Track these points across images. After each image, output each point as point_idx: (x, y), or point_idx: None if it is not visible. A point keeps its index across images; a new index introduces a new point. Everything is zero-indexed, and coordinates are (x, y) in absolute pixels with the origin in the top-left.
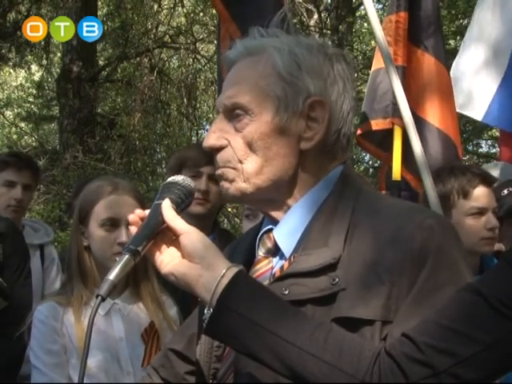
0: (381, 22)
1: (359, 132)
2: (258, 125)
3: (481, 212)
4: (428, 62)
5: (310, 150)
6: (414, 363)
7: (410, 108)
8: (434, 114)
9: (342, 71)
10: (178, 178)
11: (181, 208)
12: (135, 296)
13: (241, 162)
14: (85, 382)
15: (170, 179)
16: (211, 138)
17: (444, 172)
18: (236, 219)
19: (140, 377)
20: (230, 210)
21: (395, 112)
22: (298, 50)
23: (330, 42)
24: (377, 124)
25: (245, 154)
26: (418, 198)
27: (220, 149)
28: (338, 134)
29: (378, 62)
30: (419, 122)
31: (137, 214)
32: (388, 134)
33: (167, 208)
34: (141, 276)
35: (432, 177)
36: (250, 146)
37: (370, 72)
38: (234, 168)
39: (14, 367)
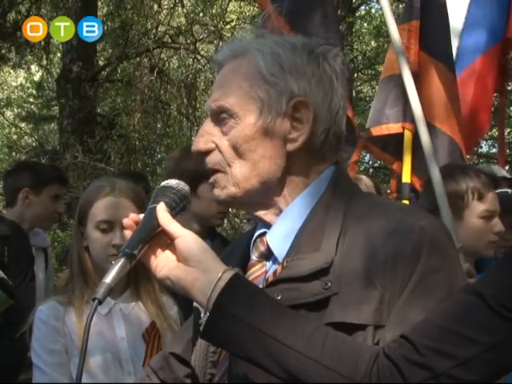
0: (382, 23)
1: (369, 135)
2: (241, 128)
3: (491, 216)
4: (436, 67)
5: (296, 151)
6: (412, 365)
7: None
8: (441, 119)
9: (330, 70)
10: (172, 181)
11: (175, 211)
12: (136, 296)
13: (229, 165)
14: (86, 381)
15: (164, 183)
16: (199, 142)
17: (456, 171)
18: (236, 219)
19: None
20: (230, 210)
21: (406, 117)
22: (281, 50)
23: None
24: (388, 129)
25: (231, 158)
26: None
27: (208, 152)
28: (326, 133)
29: (389, 69)
30: (432, 129)
31: (131, 218)
32: (391, 137)
33: (162, 211)
34: (141, 276)
35: (441, 174)
36: (236, 149)
37: (380, 78)
38: (223, 172)
39: (16, 369)
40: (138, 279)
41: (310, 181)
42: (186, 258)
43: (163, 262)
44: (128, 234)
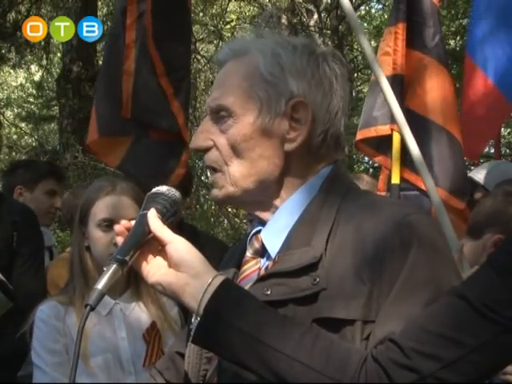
0: (382, 23)
1: (359, 138)
2: (240, 126)
3: None
4: (431, 65)
5: (294, 151)
6: (400, 368)
7: (419, 112)
8: (440, 114)
9: (329, 71)
10: (163, 188)
11: (166, 217)
12: (136, 296)
13: (227, 164)
14: (86, 381)
15: (154, 190)
16: (198, 140)
17: None
18: (236, 219)
19: (142, 377)
20: (229, 210)
21: (394, 119)
22: (282, 50)
23: (329, 42)
24: (376, 131)
25: (229, 156)
26: (426, 196)
27: (206, 150)
28: (324, 134)
29: None
30: (426, 123)
31: (122, 225)
32: (384, 138)
33: (153, 218)
34: (141, 277)
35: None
36: (234, 148)
37: (370, 81)
38: (220, 171)
39: (21, 356)
40: (138, 280)
41: (306, 179)
42: (176, 264)
43: (154, 268)
44: (120, 240)
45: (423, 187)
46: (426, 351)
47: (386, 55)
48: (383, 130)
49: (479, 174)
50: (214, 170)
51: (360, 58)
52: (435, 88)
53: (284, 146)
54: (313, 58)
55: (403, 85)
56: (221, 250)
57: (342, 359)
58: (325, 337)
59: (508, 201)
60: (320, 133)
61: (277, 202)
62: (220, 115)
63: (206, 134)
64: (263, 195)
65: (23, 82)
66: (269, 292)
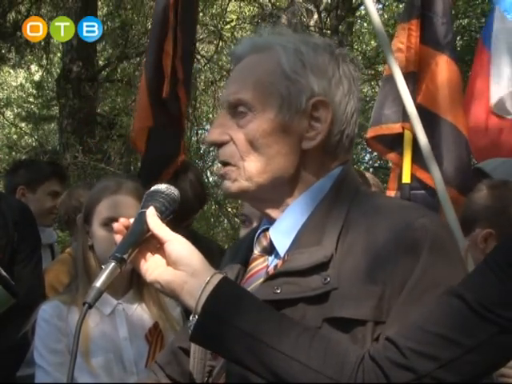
0: (381, 23)
1: (370, 135)
2: (260, 122)
3: None
4: (439, 59)
5: (311, 150)
6: (397, 368)
7: (430, 108)
8: (447, 110)
9: (348, 72)
10: (162, 186)
11: (165, 215)
12: (138, 297)
13: (243, 159)
14: (88, 381)
15: (153, 188)
16: (214, 134)
17: None
18: (236, 219)
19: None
20: (230, 209)
21: (405, 117)
22: (304, 48)
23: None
24: (388, 128)
25: (246, 151)
26: (435, 195)
27: (222, 144)
28: (340, 134)
29: (389, 68)
30: (437, 120)
31: (121, 223)
32: (396, 135)
33: (151, 216)
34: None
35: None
36: (252, 143)
37: (382, 77)
38: (235, 165)
39: (20, 350)
40: (140, 280)
41: (318, 178)
42: (174, 262)
43: (153, 266)
44: (118, 238)
45: (431, 183)
46: (423, 351)
47: (399, 52)
48: (394, 127)
49: (488, 167)
50: (227, 164)
51: (360, 57)
52: (441, 80)
53: (302, 144)
54: (333, 58)
55: (416, 82)
56: (220, 254)
57: (340, 358)
58: (322, 336)
59: (493, 194)
60: (337, 133)
61: (289, 200)
62: (238, 110)
63: (222, 129)
64: (276, 192)
65: (23, 82)
66: (279, 291)
